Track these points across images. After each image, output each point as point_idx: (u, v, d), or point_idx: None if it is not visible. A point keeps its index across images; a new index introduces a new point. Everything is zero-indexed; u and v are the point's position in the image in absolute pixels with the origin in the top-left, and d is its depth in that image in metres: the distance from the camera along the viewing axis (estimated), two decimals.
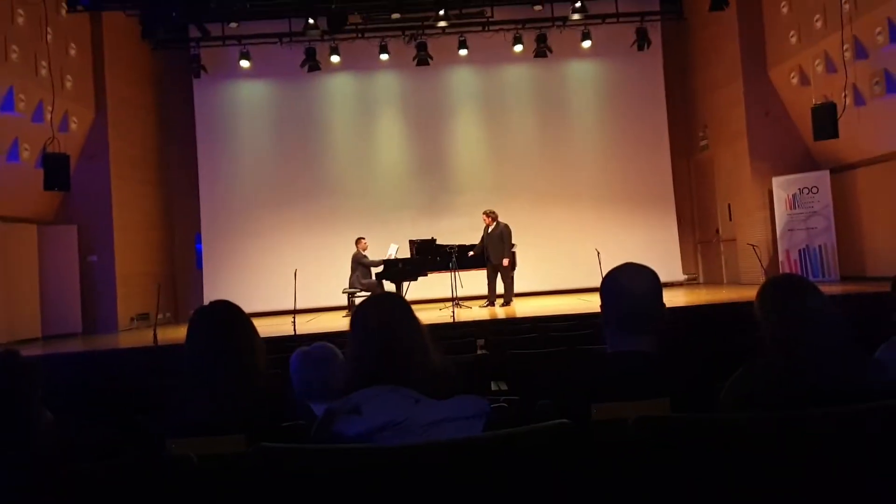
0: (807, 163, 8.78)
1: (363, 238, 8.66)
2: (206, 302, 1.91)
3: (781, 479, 1.11)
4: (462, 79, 10.56)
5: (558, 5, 9.68)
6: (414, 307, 1.47)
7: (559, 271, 9.79)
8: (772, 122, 8.98)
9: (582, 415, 1.34)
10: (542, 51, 9.87)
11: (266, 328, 5.77)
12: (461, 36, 9.89)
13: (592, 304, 7.03)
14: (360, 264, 8.43)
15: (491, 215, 8.30)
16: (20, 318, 7.77)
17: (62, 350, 6.69)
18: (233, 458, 1.29)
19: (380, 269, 8.31)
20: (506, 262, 8.11)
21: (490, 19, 9.95)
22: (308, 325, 7.31)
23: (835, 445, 1.12)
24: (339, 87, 10.56)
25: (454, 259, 8.03)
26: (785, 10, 8.53)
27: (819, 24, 7.83)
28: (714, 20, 9.35)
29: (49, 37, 7.70)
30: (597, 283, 1.78)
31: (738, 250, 9.53)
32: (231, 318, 1.73)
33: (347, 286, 8.45)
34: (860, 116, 7.37)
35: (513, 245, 8.24)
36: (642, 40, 9.87)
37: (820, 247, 8.37)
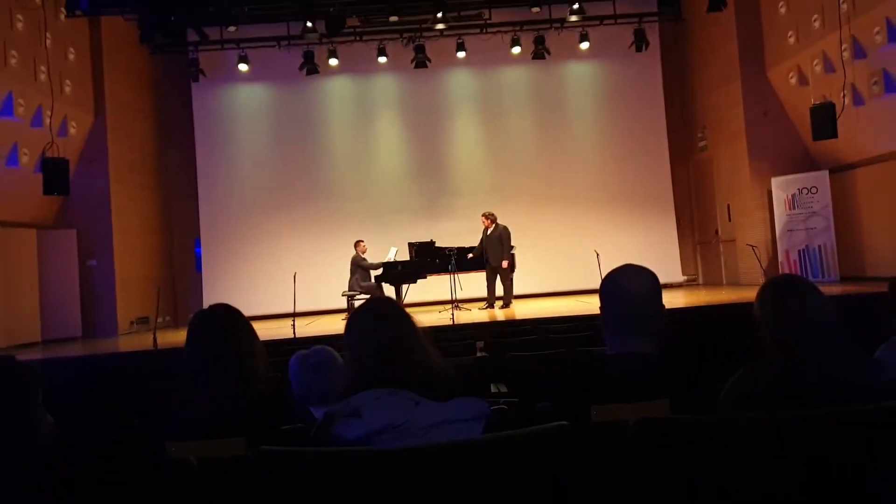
0: (806, 163, 8.79)
1: (362, 241, 8.66)
2: (205, 305, 1.91)
3: (782, 479, 1.11)
4: (460, 81, 10.58)
5: (556, 7, 9.70)
6: (413, 310, 1.48)
7: (558, 273, 9.79)
8: (770, 122, 8.99)
9: (582, 416, 1.34)
10: (540, 53, 9.88)
11: (265, 331, 5.76)
12: (459, 38, 9.91)
13: (592, 305, 7.03)
14: (359, 267, 8.43)
15: (490, 217, 8.30)
16: (20, 322, 7.76)
17: (62, 354, 6.68)
18: (232, 461, 1.29)
19: (379, 271, 8.31)
20: (505, 264, 8.11)
21: (488, 21, 9.97)
22: (308, 328, 7.30)
23: (835, 446, 1.11)
24: (337, 90, 10.57)
25: (453, 261, 8.03)
26: (783, 10, 8.54)
27: (817, 24, 7.85)
28: (712, 21, 9.37)
29: (48, 42, 7.71)
30: (596, 284, 1.78)
31: (738, 251, 9.53)
32: (231, 322, 1.73)
33: (347, 289, 8.44)
34: (859, 116, 7.38)
35: (512, 247, 8.24)
36: (640, 41, 9.89)
37: (819, 247, 8.37)
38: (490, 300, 8.35)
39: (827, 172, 8.43)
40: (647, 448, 1.10)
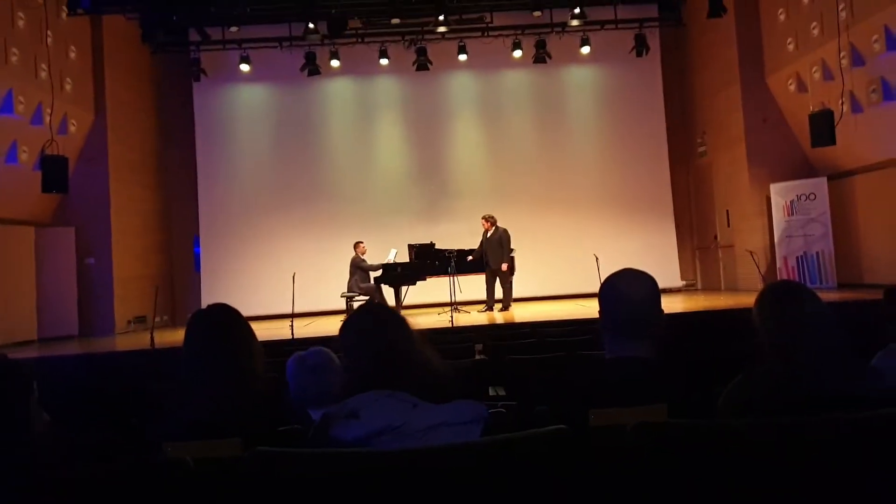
0: (804, 169, 8.81)
1: (362, 242, 8.66)
2: (203, 305, 1.90)
3: (779, 485, 1.11)
4: (461, 84, 10.59)
5: (557, 11, 9.72)
6: (412, 311, 1.49)
7: (557, 276, 9.79)
8: (770, 128, 9.02)
9: (580, 420, 1.34)
10: (541, 56, 9.91)
11: (264, 332, 5.75)
12: (461, 41, 9.93)
13: (591, 309, 7.02)
14: (358, 268, 8.43)
15: (490, 220, 8.31)
16: (16, 320, 7.74)
17: (59, 352, 6.66)
18: (229, 461, 1.29)
19: (378, 273, 8.30)
20: (504, 266, 8.11)
21: (489, 25, 9.99)
22: (306, 328, 7.29)
23: (832, 453, 1.12)
24: (338, 91, 10.58)
25: (453, 264, 8.03)
26: (782, 17, 8.58)
27: (816, 32, 7.88)
28: (712, 27, 9.40)
29: (49, 40, 7.71)
30: (595, 288, 1.78)
31: (736, 256, 9.54)
32: (229, 322, 1.73)
33: (346, 290, 8.44)
34: (857, 124, 7.40)
35: (511, 250, 8.24)
36: (641, 46, 9.92)
37: (817, 253, 8.38)
38: (489, 303, 8.35)
39: (825, 179, 8.46)
40: (646, 452, 1.10)
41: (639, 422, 1.13)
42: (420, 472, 1.08)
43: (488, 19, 9.96)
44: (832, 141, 7.26)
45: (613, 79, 10.55)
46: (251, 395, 1.63)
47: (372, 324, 1.42)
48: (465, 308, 8.27)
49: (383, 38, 9.96)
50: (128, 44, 9.46)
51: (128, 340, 7.73)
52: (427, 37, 9.82)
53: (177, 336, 6.52)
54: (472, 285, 8.46)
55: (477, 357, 3.74)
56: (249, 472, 1.09)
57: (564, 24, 9.66)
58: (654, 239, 10.21)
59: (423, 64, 9.83)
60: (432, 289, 8.47)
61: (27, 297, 8.01)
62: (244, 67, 9.96)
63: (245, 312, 1.78)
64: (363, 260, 8.51)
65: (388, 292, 8.31)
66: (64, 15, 8.20)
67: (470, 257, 8.32)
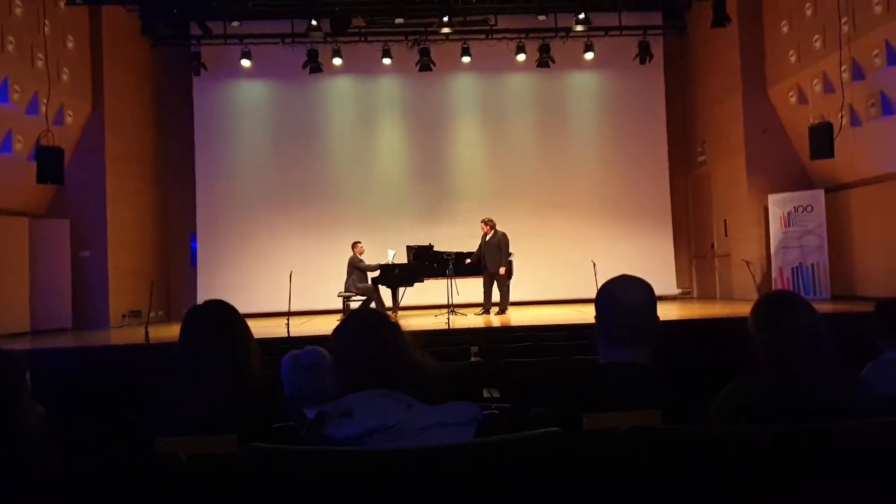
0: (803, 181, 8.85)
1: (359, 242, 8.65)
2: (199, 301, 1.90)
3: (770, 494, 1.12)
4: (464, 86, 10.61)
5: (562, 16, 9.75)
6: (409, 313, 1.49)
7: (555, 281, 9.81)
8: (769, 139, 9.06)
9: (573, 424, 1.34)
10: (544, 61, 9.93)
11: (260, 330, 5.74)
12: (464, 43, 9.94)
13: (587, 314, 7.04)
14: (356, 268, 8.42)
15: (489, 223, 8.32)
16: (9, 311, 7.70)
17: (52, 345, 6.64)
18: (224, 457, 1.29)
19: (376, 273, 8.30)
20: (502, 270, 8.12)
21: (493, 27, 10.01)
22: (302, 327, 7.28)
23: (822, 462, 1.12)
24: (340, 89, 10.58)
25: (451, 266, 8.03)
26: (785, 29, 8.62)
27: (818, 45, 7.92)
28: (715, 36, 9.44)
29: (46, 29, 7.64)
30: (592, 293, 1.79)
31: (732, 266, 9.57)
32: (226, 319, 1.73)
33: (343, 290, 8.43)
34: (856, 137, 7.44)
35: (510, 254, 8.25)
36: (644, 54, 9.95)
37: (812, 265, 8.42)
38: (486, 306, 8.36)
39: (822, 192, 8.50)
40: (638, 457, 1.11)
41: (631, 426, 1.13)
42: (413, 472, 1.08)
43: (492, 22, 9.98)
44: (831, 154, 7.30)
45: (616, 85, 10.58)
46: (247, 393, 1.63)
47: (364, 327, 1.42)
48: (462, 311, 8.27)
49: (386, 37, 9.97)
50: (127, 36, 9.41)
51: (122, 334, 7.70)
52: (431, 37, 9.82)
53: (172, 331, 6.51)
54: (470, 288, 8.46)
55: (472, 359, 3.74)
56: (244, 468, 1.10)
57: (569, 29, 9.69)
58: (651, 246, 10.23)
59: (426, 64, 9.83)
60: (430, 290, 8.46)
61: (20, 289, 7.97)
62: (245, 63, 9.93)
63: (241, 309, 1.78)
64: (361, 260, 8.50)
65: (385, 293, 8.31)
66: (62, 4, 8.14)
67: (468, 260, 8.32)
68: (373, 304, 8.16)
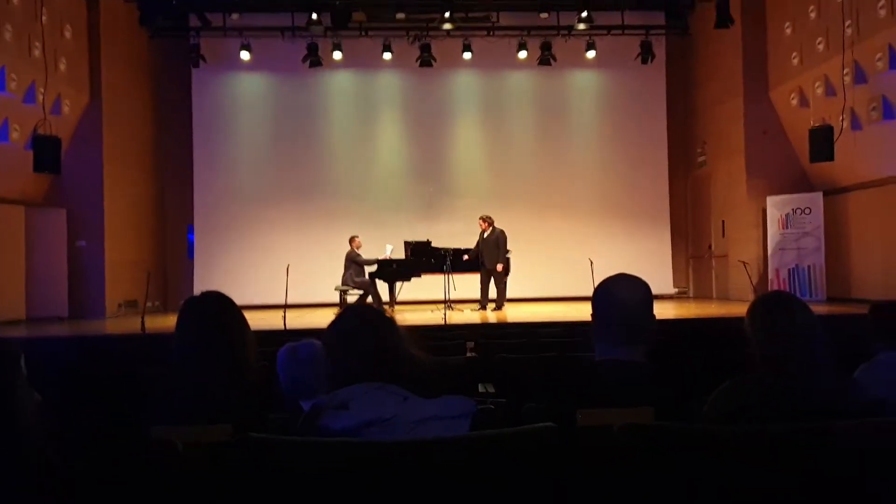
0: (802, 183, 8.87)
1: (357, 236, 8.64)
2: (196, 292, 1.90)
3: (763, 492, 1.13)
4: (464, 82, 10.58)
5: (564, 14, 9.73)
6: (406, 307, 1.49)
7: (552, 279, 9.82)
8: (770, 141, 9.07)
9: (568, 420, 1.35)
10: (546, 58, 9.91)
11: (256, 322, 5.74)
12: (466, 39, 9.92)
13: (583, 312, 7.06)
14: (353, 262, 8.42)
15: (487, 220, 8.33)
16: (5, 299, 7.69)
17: (48, 334, 6.63)
18: (219, 447, 1.29)
19: (373, 268, 8.30)
20: (500, 267, 8.13)
21: (495, 24, 9.99)
22: (299, 320, 7.28)
23: (814, 461, 1.13)
24: (339, 84, 10.55)
25: (448, 262, 8.04)
26: (788, 31, 8.62)
27: (821, 47, 7.92)
28: (718, 37, 9.43)
29: (44, 18, 7.57)
30: (589, 291, 1.79)
31: (729, 266, 9.60)
32: (223, 310, 1.73)
33: (340, 283, 8.43)
34: (856, 141, 7.45)
35: (507, 251, 8.26)
36: (647, 53, 9.94)
37: (809, 267, 8.45)
38: (483, 302, 8.37)
39: (821, 194, 8.52)
40: (631, 453, 1.12)
41: (625, 423, 1.14)
42: (408, 464, 1.09)
43: (494, 18, 9.96)
44: (831, 157, 7.31)
45: (617, 84, 10.57)
46: (243, 384, 1.63)
47: (360, 322, 1.43)
48: (458, 306, 8.28)
49: (387, 32, 9.93)
50: (125, 26, 9.34)
51: (118, 324, 7.69)
52: (432, 33, 9.79)
53: (168, 322, 6.51)
54: (467, 284, 8.47)
55: (468, 355, 3.75)
56: (239, 457, 1.10)
57: (571, 28, 9.67)
58: (649, 245, 10.25)
59: (426, 60, 9.80)
60: (427, 285, 8.47)
61: (17, 277, 7.95)
62: (244, 55, 9.87)
63: (237, 301, 1.78)
64: (359, 254, 8.50)
65: (382, 287, 8.32)
66: None
67: (466, 256, 8.33)
68: (370, 299, 8.18)
